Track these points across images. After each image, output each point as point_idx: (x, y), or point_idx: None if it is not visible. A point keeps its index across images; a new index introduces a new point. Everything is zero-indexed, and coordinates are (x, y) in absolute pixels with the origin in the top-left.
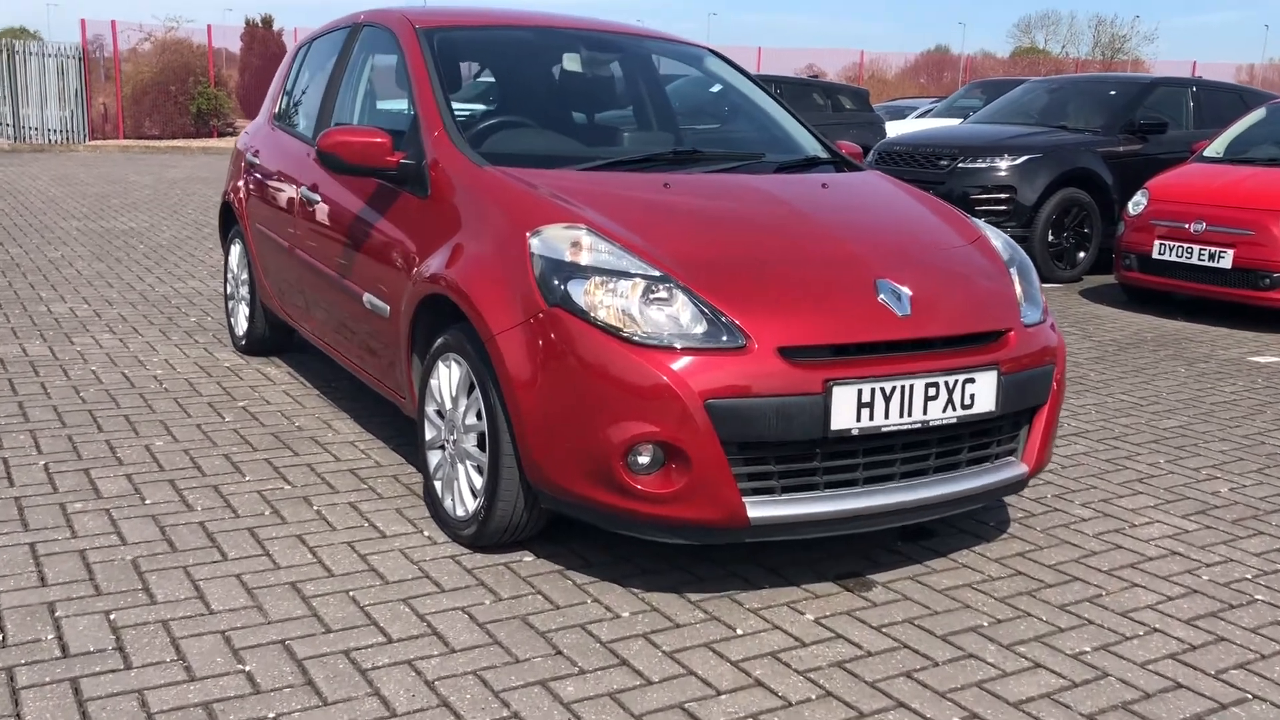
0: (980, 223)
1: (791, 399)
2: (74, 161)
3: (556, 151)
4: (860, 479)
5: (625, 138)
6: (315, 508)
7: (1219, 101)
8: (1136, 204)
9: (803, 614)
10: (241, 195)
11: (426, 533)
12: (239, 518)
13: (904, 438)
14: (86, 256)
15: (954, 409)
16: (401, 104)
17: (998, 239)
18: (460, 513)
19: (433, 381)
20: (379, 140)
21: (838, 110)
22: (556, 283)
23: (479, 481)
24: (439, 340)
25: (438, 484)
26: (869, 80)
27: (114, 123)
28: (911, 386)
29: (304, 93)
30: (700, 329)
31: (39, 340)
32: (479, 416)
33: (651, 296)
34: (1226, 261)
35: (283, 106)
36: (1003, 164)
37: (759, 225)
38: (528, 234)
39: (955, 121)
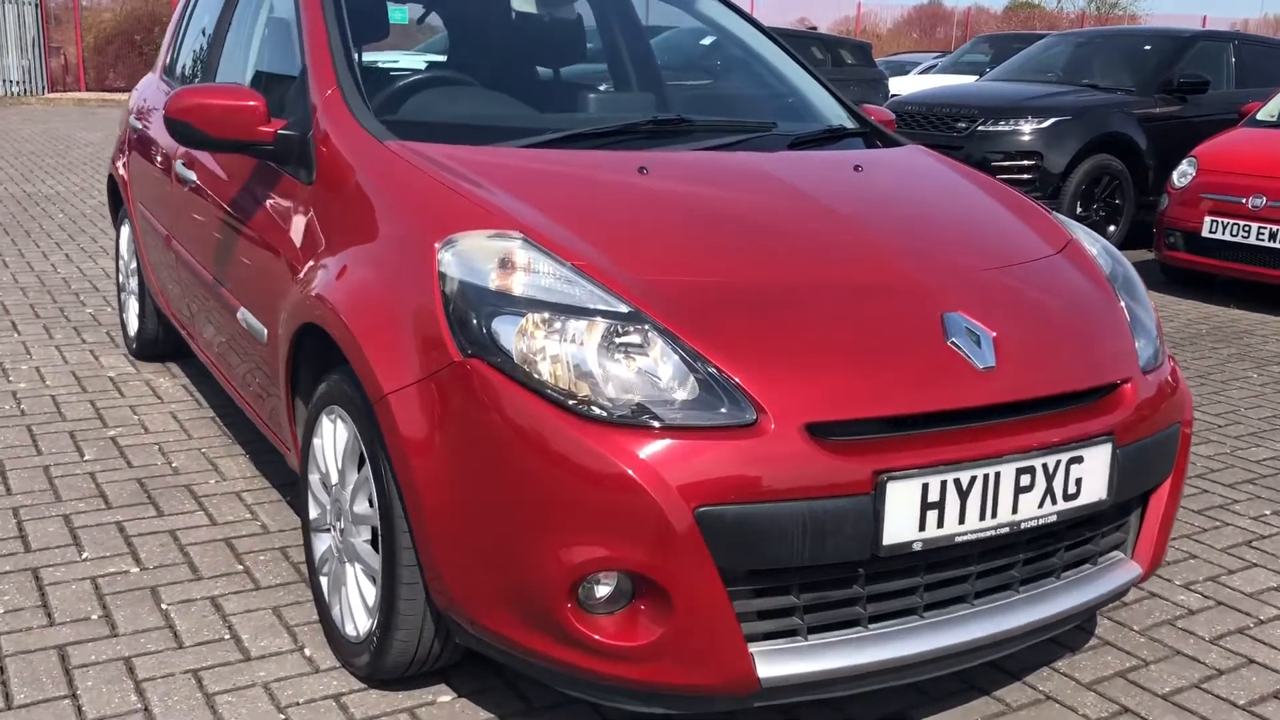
0: (1067, 219)
1: (826, 503)
2: (21, 115)
3: (496, 120)
4: (920, 606)
5: (591, 101)
6: (163, 607)
7: (1263, 58)
8: (1183, 174)
9: None
10: (127, 168)
11: (308, 650)
12: (52, 626)
13: (982, 545)
14: None
15: (1053, 501)
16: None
17: (1092, 243)
18: (350, 631)
19: (316, 441)
20: (249, 104)
21: (838, 65)
22: (475, 320)
23: (374, 594)
24: (322, 385)
25: (324, 582)
26: (862, 35)
27: (75, 74)
28: (998, 475)
29: (196, 40)
30: (688, 394)
31: None
32: (371, 504)
33: (617, 343)
34: None
35: (172, 57)
36: (1028, 127)
37: (773, 231)
38: (436, 245)
39: (964, 79)
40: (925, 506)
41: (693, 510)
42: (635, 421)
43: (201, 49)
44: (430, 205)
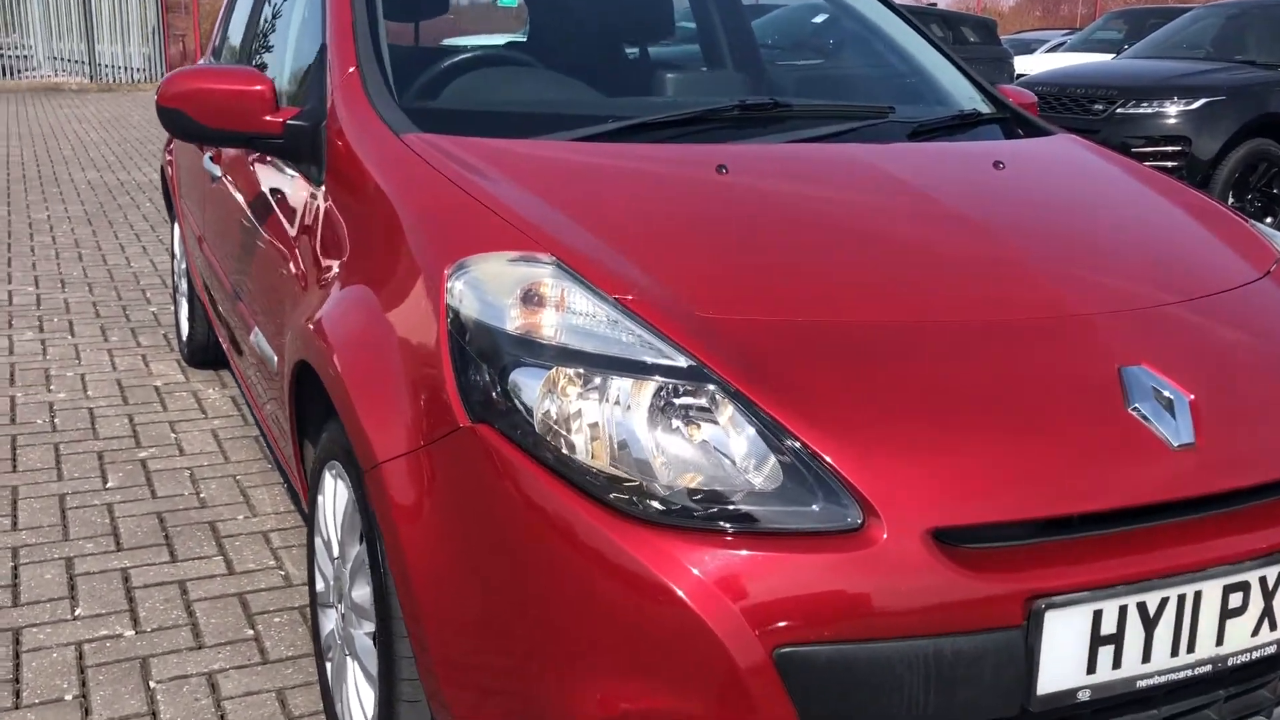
0: (1270, 231)
1: (959, 641)
2: (136, 102)
3: (545, 106)
4: None
5: (667, 84)
6: (151, 685)
7: None
8: None
9: None
10: (173, 163)
11: None
12: (18, 709)
13: (1171, 686)
14: (77, 218)
15: (1274, 627)
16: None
17: None
18: None
19: (319, 499)
20: (253, 88)
21: (960, 43)
22: (488, 373)
23: (371, 704)
24: (324, 435)
25: (329, 668)
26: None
27: (193, 60)
28: (1198, 595)
29: (241, 20)
30: (769, 484)
31: None
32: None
33: (673, 409)
34: None
35: (217, 41)
36: (1174, 108)
37: (888, 252)
38: (446, 270)
39: (1097, 57)
40: (1096, 641)
41: (770, 651)
42: (696, 521)
43: (245, 30)
44: (444, 218)
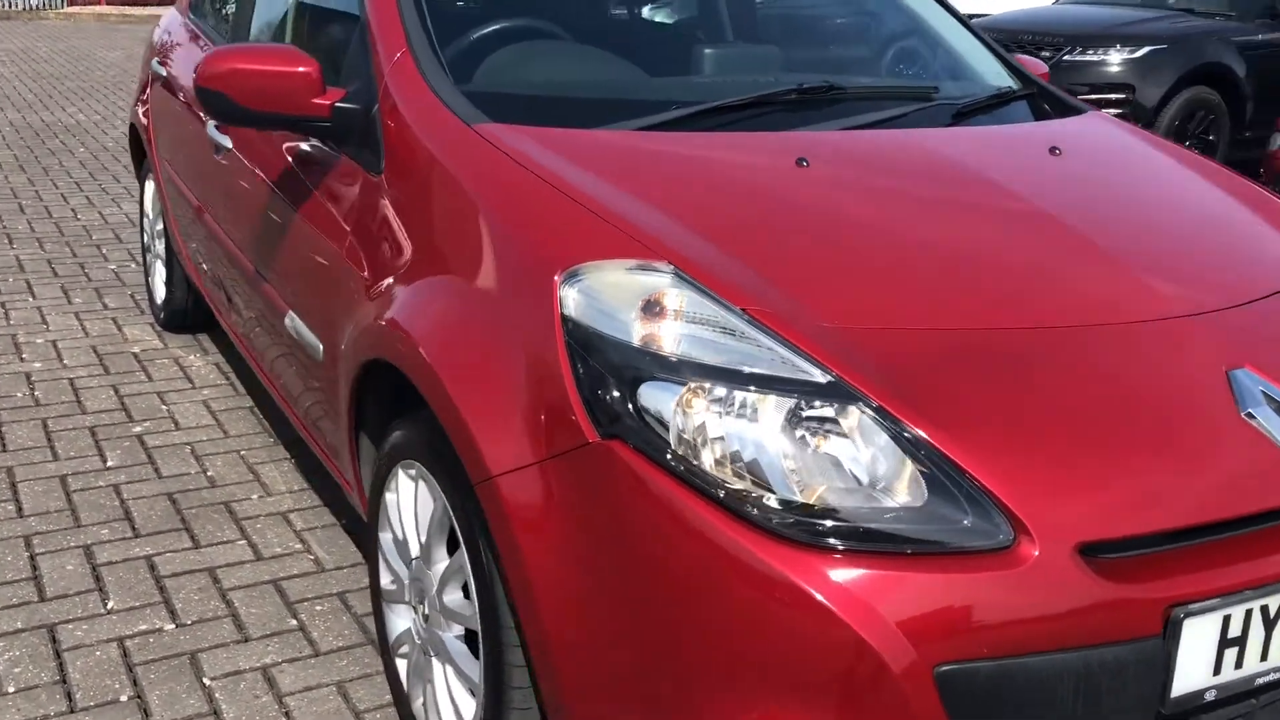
0: None
1: (1104, 653)
2: (39, 32)
3: (603, 90)
4: None
5: (716, 64)
6: (206, 684)
7: None
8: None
9: None
10: (150, 116)
11: None
12: (73, 714)
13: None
14: (8, 164)
15: None
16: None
17: None
18: None
19: (389, 497)
20: (299, 70)
21: None
22: (616, 388)
23: (469, 705)
24: (396, 433)
25: (402, 665)
26: None
27: None
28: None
29: None
30: (917, 502)
31: None
32: (468, 596)
33: (813, 426)
34: None
35: (234, 9)
36: (1118, 56)
37: (993, 254)
38: (556, 278)
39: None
40: (1224, 644)
41: (932, 669)
42: (844, 540)
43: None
44: (545, 220)
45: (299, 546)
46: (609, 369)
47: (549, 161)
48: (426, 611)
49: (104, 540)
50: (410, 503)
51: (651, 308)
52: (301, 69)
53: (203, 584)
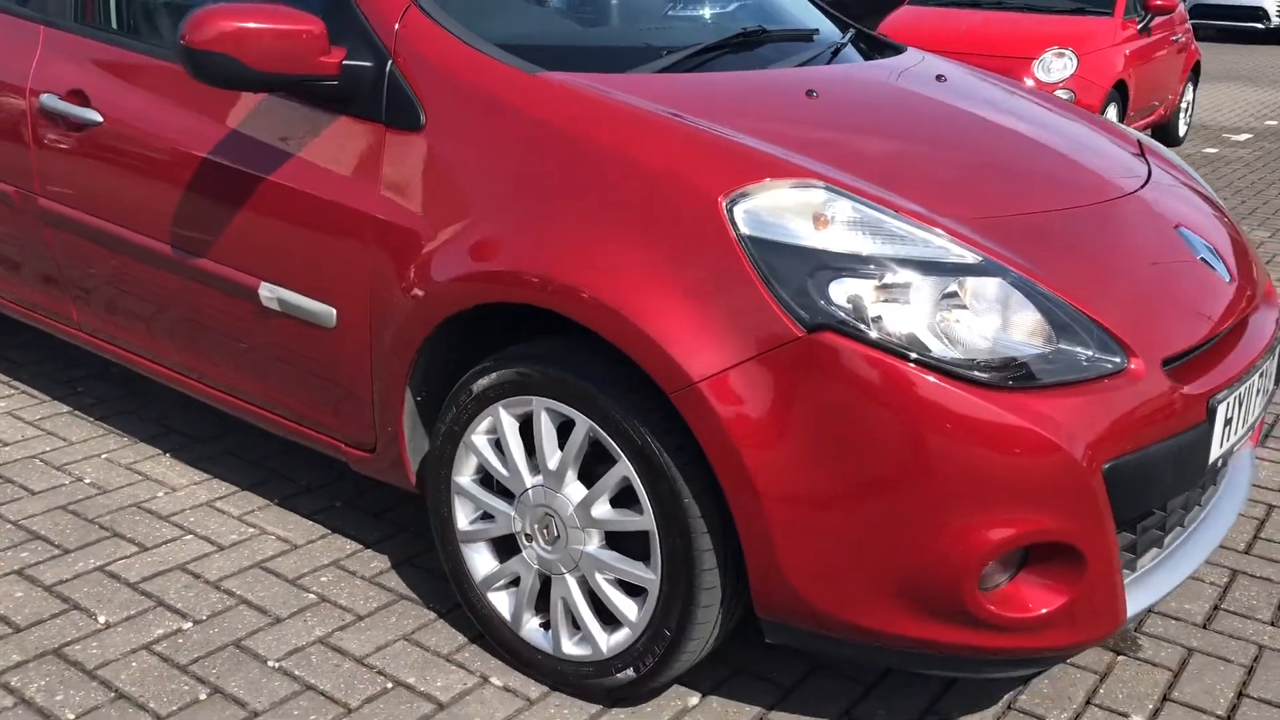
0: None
1: (1182, 438)
2: None
3: (597, 39)
4: (1201, 510)
5: (672, 13)
6: (273, 666)
7: None
8: None
9: None
10: None
11: (495, 679)
12: None
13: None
14: None
15: (1264, 394)
16: None
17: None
18: (578, 650)
19: (477, 439)
20: (305, 28)
21: None
22: (812, 286)
23: (628, 605)
24: (488, 376)
25: (499, 599)
26: None
27: None
28: (1253, 384)
29: None
30: (1064, 344)
31: None
32: (612, 506)
33: (977, 297)
34: None
35: None
36: None
37: (1004, 158)
38: (721, 200)
39: None
40: (1225, 424)
41: (1101, 467)
42: (1023, 381)
43: None
44: (686, 153)
45: (253, 531)
46: (798, 273)
47: (635, 101)
48: (554, 534)
49: (35, 562)
50: (544, 437)
51: (822, 217)
52: (308, 27)
53: (186, 581)
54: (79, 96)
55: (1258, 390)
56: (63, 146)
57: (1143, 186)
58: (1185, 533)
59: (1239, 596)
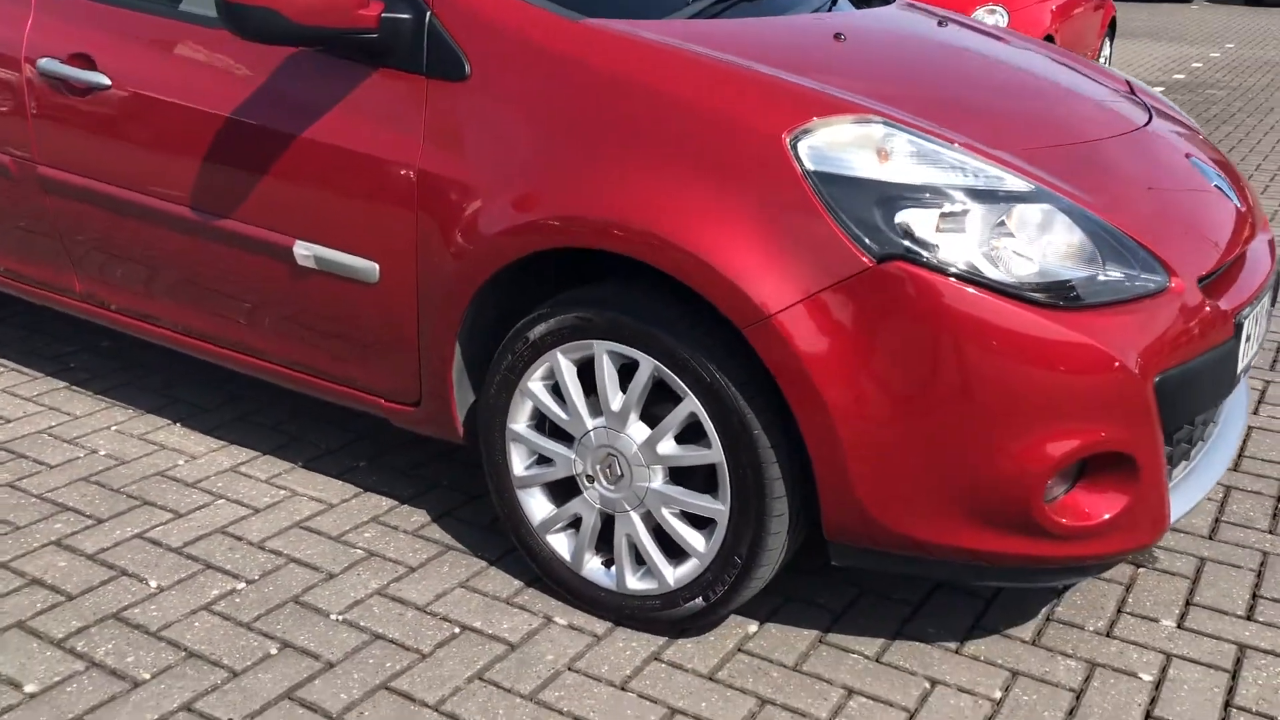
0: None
1: (1216, 352)
2: None
3: None
4: (1218, 422)
5: None
6: (336, 619)
7: None
8: None
9: None
10: None
11: (559, 619)
12: (238, 677)
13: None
14: None
15: (1267, 315)
16: None
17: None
18: (641, 585)
19: (534, 385)
20: None
21: None
22: (879, 218)
23: (695, 537)
24: (550, 320)
25: (558, 540)
26: None
27: None
28: (1265, 303)
29: None
30: (1115, 266)
31: None
32: (678, 442)
33: (1032, 223)
34: None
35: None
36: None
37: (1027, 96)
38: (784, 136)
39: None
40: (1247, 338)
41: (1153, 380)
42: (1077, 302)
43: None
44: (740, 93)
45: (285, 493)
46: (865, 205)
47: (685, 44)
48: (618, 473)
49: (71, 533)
50: (605, 379)
51: (883, 150)
52: None
53: (229, 544)
54: (83, 60)
55: (1265, 310)
56: (66, 112)
57: (1150, 121)
58: (1205, 445)
59: (1236, 509)
